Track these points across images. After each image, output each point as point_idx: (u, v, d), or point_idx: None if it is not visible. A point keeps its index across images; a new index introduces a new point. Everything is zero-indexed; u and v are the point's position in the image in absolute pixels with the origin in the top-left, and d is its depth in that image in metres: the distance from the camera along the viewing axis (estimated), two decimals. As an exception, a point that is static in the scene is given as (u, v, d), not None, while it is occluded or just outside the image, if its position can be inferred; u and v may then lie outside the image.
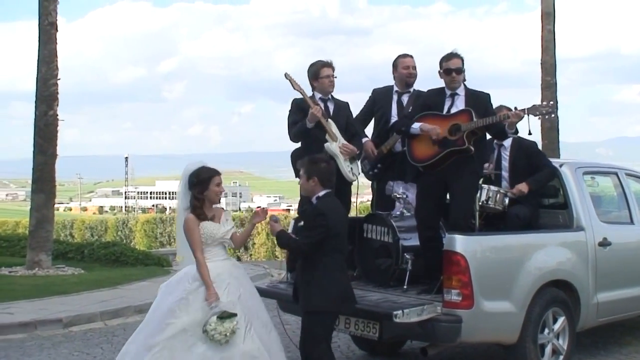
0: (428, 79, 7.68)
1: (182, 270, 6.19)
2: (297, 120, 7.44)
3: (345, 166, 7.40)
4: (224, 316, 5.76)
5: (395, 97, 8.05)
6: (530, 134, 7.09)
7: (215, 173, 6.13)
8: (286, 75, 7.32)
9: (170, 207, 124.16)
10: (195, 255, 6.00)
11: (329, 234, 5.81)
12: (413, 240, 7.17)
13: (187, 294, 5.91)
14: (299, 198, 7.36)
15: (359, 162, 7.65)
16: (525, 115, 6.88)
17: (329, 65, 7.55)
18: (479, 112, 6.83)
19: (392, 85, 8.12)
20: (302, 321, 6.17)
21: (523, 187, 7.55)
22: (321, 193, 6.01)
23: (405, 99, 8.01)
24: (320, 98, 7.60)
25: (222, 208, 6.33)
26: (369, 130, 8.24)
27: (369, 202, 9.26)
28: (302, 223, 6.23)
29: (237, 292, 6.04)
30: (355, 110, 8.15)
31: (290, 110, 7.55)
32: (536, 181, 7.61)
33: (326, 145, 7.39)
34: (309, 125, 7.38)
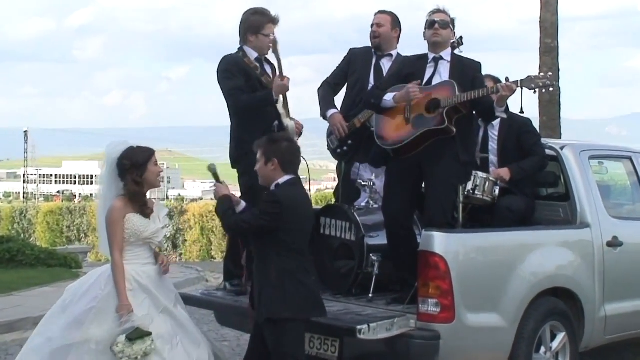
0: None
1: (96, 270, 6.19)
2: (241, 85, 7.37)
3: None
4: (133, 337, 5.76)
5: (374, 60, 8.10)
6: (522, 112, 7.12)
7: (151, 152, 6.25)
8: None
9: (80, 194, 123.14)
10: (111, 254, 6.01)
11: (280, 228, 5.85)
12: (381, 239, 7.19)
13: (98, 302, 5.91)
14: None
15: None
16: (519, 89, 6.87)
17: (275, 22, 7.55)
18: (465, 84, 6.83)
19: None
20: (254, 334, 6.21)
21: (504, 172, 7.61)
22: (282, 180, 6.03)
23: (385, 63, 8.06)
24: (256, 58, 7.56)
25: (154, 200, 6.37)
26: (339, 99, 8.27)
27: (328, 191, 9.28)
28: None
29: (160, 305, 6.05)
30: (325, 74, 8.27)
31: (227, 71, 7.43)
32: (521, 169, 7.66)
33: (287, 122, 7.40)
34: (276, 97, 7.38)
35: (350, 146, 7.99)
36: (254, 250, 6.13)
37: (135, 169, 6.11)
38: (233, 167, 7.51)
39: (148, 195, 6.34)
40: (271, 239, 5.89)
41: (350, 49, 8.29)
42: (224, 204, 6.10)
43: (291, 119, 7.42)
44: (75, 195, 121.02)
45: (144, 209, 6.14)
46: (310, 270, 6.10)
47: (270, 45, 7.47)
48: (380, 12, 8.20)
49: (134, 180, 6.11)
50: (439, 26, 7.00)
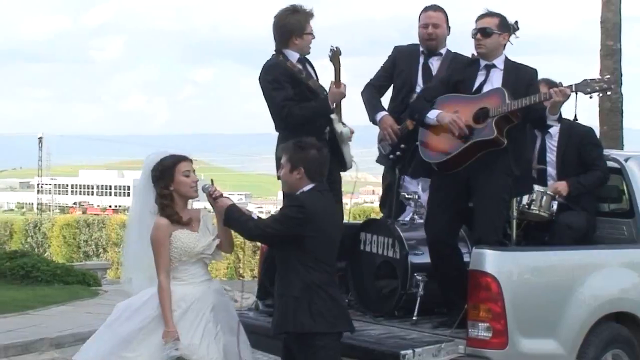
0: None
1: (149, 290, 6.19)
2: (291, 95, 7.26)
3: (348, 152, 7.44)
4: None
5: (421, 59, 8.02)
6: (575, 119, 7.08)
7: (180, 159, 6.23)
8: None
9: (98, 206, 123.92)
10: (158, 276, 6.03)
11: (305, 234, 5.88)
12: (426, 256, 7.20)
13: (149, 322, 5.94)
14: (274, 197, 7.34)
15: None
16: (573, 94, 6.81)
17: (313, 17, 7.49)
18: (519, 93, 6.80)
19: (419, 44, 8.09)
20: (285, 354, 6.25)
21: (562, 187, 7.59)
22: (307, 187, 6.08)
23: (434, 63, 7.98)
24: (298, 59, 7.46)
25: (200, 209, 6.38)
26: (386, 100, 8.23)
27: (367, 205, 9.21)
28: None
29: (214, 330, 6.07)
30: (364, 78, 8.18)
31: (275, 81, 7.31)
32: (580, 185, 7.63)
33: (340, 127, 7.39)
34: (332, 105, 7.38)
35: (404, 150, 7.81)
36: (277, 261, 6.18)
37: (162, 179, 6.15)
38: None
39: (189, 205, 6.33)
40: (296, 249, 5.94)
41: (395, 47, 8.22)
42: (234, 212, 6.12)
43: (343, 124, 7.41)
44: (93, 206, 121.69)
45: (176, 219, 6.10)
46: (336, 283, 6.12)
47: (330, 54, 7.41)
48: (433, 8, 8.00)
49: (159, 193, 6.15)
50: (482, 35, 6.96)
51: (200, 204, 6.77)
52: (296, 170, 6.08)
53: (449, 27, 8.04)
